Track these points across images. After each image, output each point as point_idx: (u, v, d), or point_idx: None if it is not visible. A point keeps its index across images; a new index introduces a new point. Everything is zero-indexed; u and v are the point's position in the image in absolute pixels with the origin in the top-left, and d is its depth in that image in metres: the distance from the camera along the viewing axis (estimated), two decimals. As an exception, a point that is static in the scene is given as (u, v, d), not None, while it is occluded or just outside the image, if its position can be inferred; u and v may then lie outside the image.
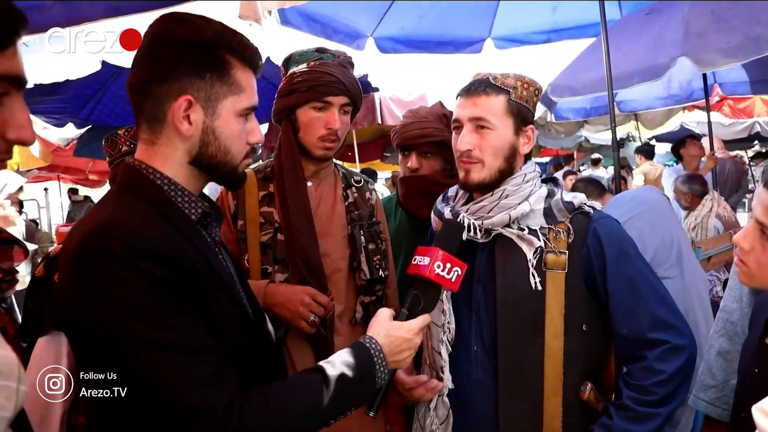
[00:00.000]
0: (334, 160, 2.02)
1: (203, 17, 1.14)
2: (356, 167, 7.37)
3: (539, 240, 1.45)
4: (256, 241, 1.84)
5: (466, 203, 1.55)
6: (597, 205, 1.53)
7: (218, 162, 1.17)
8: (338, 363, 1.16)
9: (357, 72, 1.97)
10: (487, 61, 4.89)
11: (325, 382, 1.12)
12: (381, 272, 1.93)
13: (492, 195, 1.48)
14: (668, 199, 4.05)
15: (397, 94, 6.68)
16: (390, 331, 1.25)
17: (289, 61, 1.89)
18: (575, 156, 13.94)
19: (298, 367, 1.78)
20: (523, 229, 1.46)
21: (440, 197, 1.65)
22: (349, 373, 1.14)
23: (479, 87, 1.47)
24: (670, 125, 10.85)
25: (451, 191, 1.64)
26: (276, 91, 1.89)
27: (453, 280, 1.32)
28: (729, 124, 10.17)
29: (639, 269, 1.46)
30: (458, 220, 1.47)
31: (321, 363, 1.17)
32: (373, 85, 6.07)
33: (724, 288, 4.32)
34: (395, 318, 1.30)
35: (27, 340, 1.67)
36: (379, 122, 6.39)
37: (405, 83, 7.08)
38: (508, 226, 1.46)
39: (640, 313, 1.42)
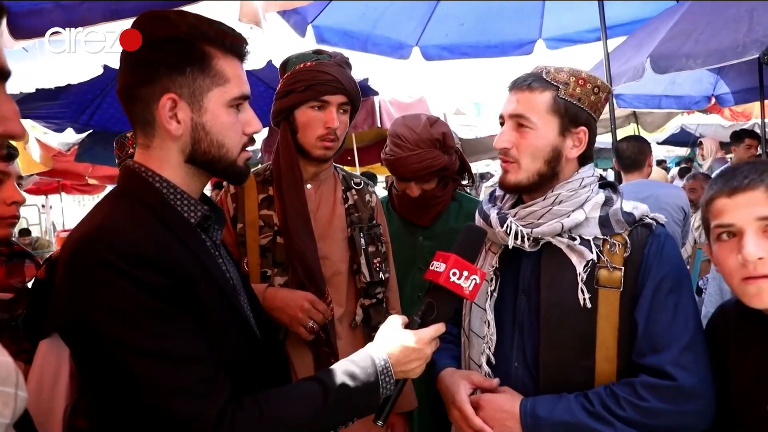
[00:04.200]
0: (334, 163, 2.02)
1: (178, 11, 1.12)
2: (356, 171, 7.37)
3: (591, 252, 1.32)
4: (256, 245, 1.83)
5: (514, 205, 1.43)
6: (661, 218, 1.39)
7: (213, 157, 1.14)
8: (340, 372, 1.12)
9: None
10: (538, 62, 4.88)
11: (324, 392, 1.08)
12: (381, 275, 1.92)
13: (544, 199, 1.35)
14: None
15: (396, 97, 6.68)
16: (399, 339, 1.18)
17: (286, 64, 1.89)
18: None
19: (298, 371, 1.78)
20: (574, 239, 1.33)
21: (488, 196, 1.54)
22: (350, 382, 1.10)
23: (525, 81, 1.35)
24: (671, 128, 10.87)
25: (498, 190, 1.51)
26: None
27: (470, 289, 1.22)
28: (728, 125, 10.19)
29: (680, 301, 1.29)
30: (505, 225, 1.37)
31: (322, 371, 1.14)
32: (374, 89, 6.07)
33: (725, 289, 4.32)
34: (407, 326, 1.22)
35: (30, 343, 1.67)
36: (379, 126, 6.38)
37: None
38: (558, 234, 1.34)
39: (660, 348, 1.26)
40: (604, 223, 1.35)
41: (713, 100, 6.97)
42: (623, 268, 1.31)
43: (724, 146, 7.34)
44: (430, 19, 4.53)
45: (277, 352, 1.35)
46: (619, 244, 1.33)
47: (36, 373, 1.51)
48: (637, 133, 8.89)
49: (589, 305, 1.30)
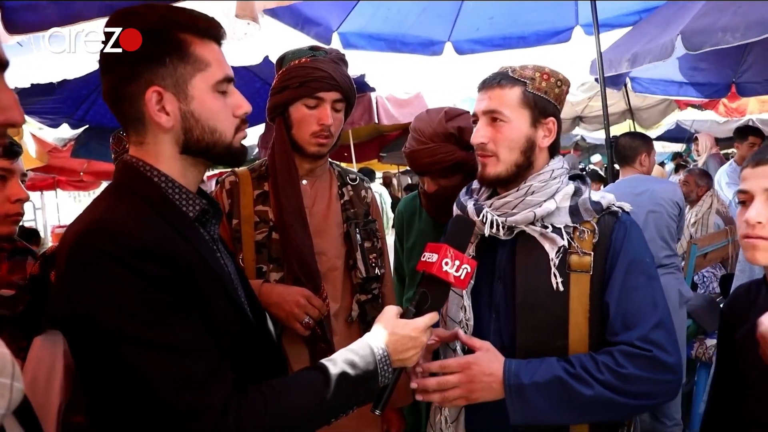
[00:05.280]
0: (329, 159, 2.01)
1: (148, 5, 1.11)
2: (353, 167, 7.37)
3: (563, 239, 1.40)
4: (251, 240, 1.83)
5: (490, 197, 1.51)
6: (626, 206, 1.48)
7: (208, 144, 1.14)
8: (340, 361, 1.13)
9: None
10: (576, 48, 4.85)
11: (325, 381, 1.09)
12: (377, 270, 1.93)
13: (518, 190, 1.44)
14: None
15: (393, 93, 6.68)
16: (395, 329, 1.21)
17: (282, 61, 1.89)
18: (572, 155, 13.98)
19: (294, 366, 1.78)
20: (546, 227, 1.42)
21: (464, 189, 1.61)
22: (351, 371, 1.12)
23: (494, 80, 1.45)
24: (666, 123, 10.90)
25: (475, 183, 1.59)
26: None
27: (462, 277, 1.28)
28: (723, 122, 10.23)
29: (647, 282, 1.39)
30: (481, 215, 1.44)
31: (323, 361, 1.15)
32: (371, 85, 6.08)
33: (720, 284, 4.35)
34: (402, 315, 1.26)
35: (25, 339, 1.67)
36: (376, 122, 6.38)
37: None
38: (531, 223, 1.42)
39: (633, 325, 1.34)
40: (574, 211, 1.43)
41: (733, 88, 6.54)
42: (592, 253, 1.40)
43: (719, 142, 7.30)
44: (458, 16, 4.57)
45: (274, 344, 1.35)
46: (587, 231, 1.42)
47: (30, 369, 1.50)
48: (632, 129, 8.92)
49: (561, 288, 1.38)
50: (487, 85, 1.46)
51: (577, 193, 1.45)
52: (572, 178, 1.52)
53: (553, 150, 1.50)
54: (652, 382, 1.30)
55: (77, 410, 1.56)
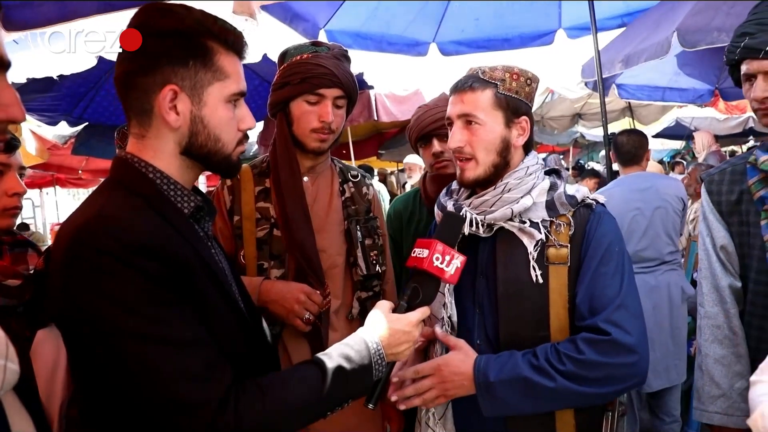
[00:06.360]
0: (330, 155, 2.01)
1: (184, 5, 1.14)
2: (352, 165, 7.35)
3: (540, 233, 1.44)
4: (252, 237, 1.83)
5: (469, 196, 1.55)
6: (600, 198, 1.52)
7: (209, 151, 1.16)
8: (335, 355, 1.16)
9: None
10: (559, 51, 4.91)
11: (322, 374, 1.12)
12: (378, 268, 1.93)
13: (494, 189, 1.47)
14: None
15: (392, 90, 6.67)
16: (388, 323, 1.25)
17: (284, 56, 1.88)
18: (571, 152, 13.97)
19: (295, 362, 1.78)
20: (524, 222, 1.46)
21: (444, 190, 1.65)
22: (346, 365, 1.14)
23: (466, 83, 1.48)
24: (665, 120, 10.89)
25: (455, 185, 1.63)
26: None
27: (452, 272, 1.32)
28: (723, 119, 10.22)
29: (616, 269, 1.41)
30: (461, 214, 1.47)
31: (318, 355, 1.17)
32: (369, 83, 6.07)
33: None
34: (394, 310, 1.30)
35: (28, 333, 1.67)
36: (375, 119, 6.38)
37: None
38: (510, 219, 1.46)
39: (598, 309, 1.37)
40: (550, 206, 1.47)
41: (717, 94, 6.64)
42: (569, 245, 1.45)
43: (719, 139, 7.28)
44: (443, 17, 4.60)
45: (267, 341, 1.37)
46: (564, 224, 1.47)
47: (34, 363, 1.50)
48: (632, 126, 8.91)
49: (540, 281, 1.43)
50: (459, 88, 1.49)
51: (552, 187, 1.49)
52: (548, 173, 1.55)
53: (528, 147, 1.54)
54: (612, 366, 1.32)
55: (76, 404, 1.55)
